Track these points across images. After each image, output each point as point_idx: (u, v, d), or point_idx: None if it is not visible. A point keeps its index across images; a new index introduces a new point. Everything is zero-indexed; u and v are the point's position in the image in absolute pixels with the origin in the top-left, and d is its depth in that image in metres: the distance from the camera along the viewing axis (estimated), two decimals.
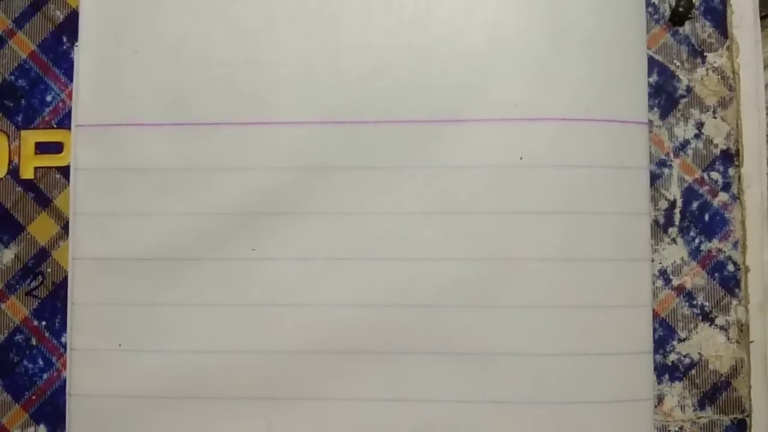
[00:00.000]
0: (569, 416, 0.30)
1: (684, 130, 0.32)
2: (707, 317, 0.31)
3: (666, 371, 0.31)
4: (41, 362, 0.32)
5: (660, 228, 0.32)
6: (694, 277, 0.32)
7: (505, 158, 0.31)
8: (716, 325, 0.31)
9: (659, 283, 0.32)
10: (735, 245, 0.32)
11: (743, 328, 0.31)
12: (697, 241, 0.32)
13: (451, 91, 0.31)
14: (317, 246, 0.31)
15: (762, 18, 0.32)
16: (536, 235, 0.31)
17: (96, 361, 0.31)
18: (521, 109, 0.31)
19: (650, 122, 0.32)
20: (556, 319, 0.30)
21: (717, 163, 0.32)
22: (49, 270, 0.32)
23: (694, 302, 0.31)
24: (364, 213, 0.31)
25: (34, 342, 0.32)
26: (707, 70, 0.32)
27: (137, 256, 0.32)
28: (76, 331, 0.32)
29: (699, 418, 0.31)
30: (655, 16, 0.32)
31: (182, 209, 0.31)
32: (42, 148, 0.33)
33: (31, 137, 0.33)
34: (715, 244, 0.32)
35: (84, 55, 0.32)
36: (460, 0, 0.31)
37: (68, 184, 0.32)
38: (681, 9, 0.32)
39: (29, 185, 0.33)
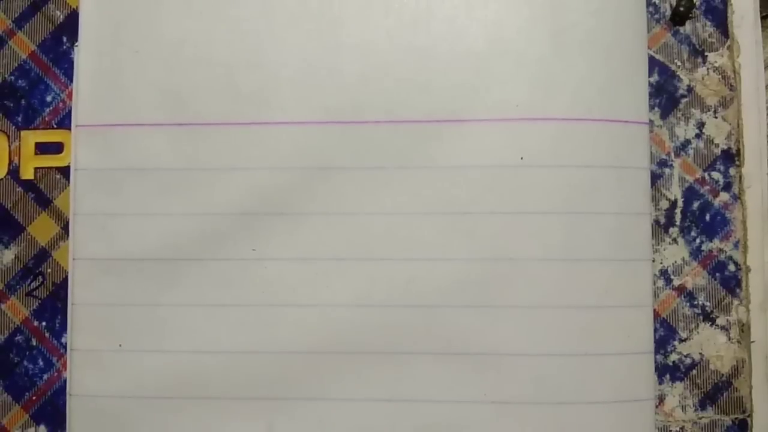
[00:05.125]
0: (570, 417, 0.30)
1: (685, 130, 0.32)
2: (708, 317, 0.31)
3: (667, 371, 0.31)
4: (41, 363, 0.32)
5: (661, 228, 0.32)
6: (695, 277, 0.32)
7: (505, 158, 0.31)
8: (717, 325, 0.31)
9: (660, 283, 0.32)
10: (736, 245, 0.32)
11: (744, 328, 0.31)
12: (698, 241, 0.32)
13: (451, 91, 0.31)
14: (318, 246, 0.31)
15: (763, 18, 0.32)
16: (537, 235, 0.30)
17: (96, 362, 0.31)
18: (522, 109, 0.31)
19: (651, 122, 0.32)
20: (557, 320, 0.30)
21: (718, 162, 0.32)
22: (49, 270, 0.32)
23: (695, 302, 0.31)
24: (365, 213, 0.31)
25: (34, 342, 0.32)
26: (708, 69, 0.32)
27: (138, 257, 0.31)
28: (77, 331, 0.32)
29: (700, 418, 0.31)
30: (656, 16, 0.32)
31: (182, 209, 0.31)
32: (42, 148, 0.33)
33: (31, 137, 0.33)
34: (716, 244, 0.32)
35: (84, 55, 0.32)
36: (460, 0, 0.31)
37: (68, 185, 0.32)
38: (682, 9, 0.32)
39: (29, 185, 0.33)
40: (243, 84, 0.32)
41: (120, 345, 0.31)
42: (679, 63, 0.32)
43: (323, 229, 0.31)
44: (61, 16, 0.33)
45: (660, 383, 0.31)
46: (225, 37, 0.32)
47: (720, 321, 0.31)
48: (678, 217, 0.32)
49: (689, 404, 0.31)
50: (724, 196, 0.32)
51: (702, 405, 0.31)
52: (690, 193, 0.32)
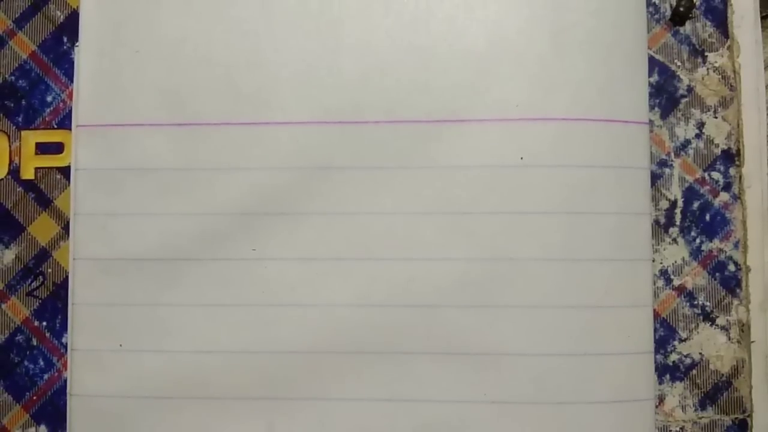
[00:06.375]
0: (570, 416, 0.30)
1: (685, 130, 0.32)
2: (708, 317, 0.31)
3: (667, 371, 0.31)
4: (42, 363, 0.32)
5: (661, 228, 0.32)
6: (695, 277, 0.32)
7: (505, 158, 0.31)
8: (717, 325, 0.31)
9: (660, 283, 0.32)
10: (736, 245, 0.32)
11: (744, 328, 0.31)
12: (698, 241, 0.32)
13: (451, 91, 0.31)
14: (318, 246, 0.31)
15: (763, 18, 0.32)
16: (537, 235, 0.30)
17: (97, 362, 0.31)
18: (521, 109, 0.31)
19: (651, 122, 0.32)
20: (557, 319, 0.30)
21: (718, 162, 0.32)
22: (49, 270, 0.32)
23: (695, 302, 0.31)
24: (365, 213, 0.31)
25: (34, 342, 0.32)
26: (708, 69, 0.32)
27: (138, 257, 0.32)
28: (77, 331, 0.32)
29: (700, 418, 0.31)
30: (656, 16, 0.32)
31: (183, 209, 0.31)
32: (42, 148, 0.33)
33: (31, 137, 0.33)
34: (716, 244, 0.32)
35: (84, 55, 0.32)
36: (460, 0, 0.31)
37: (69, 185, 0.32)
38: (682, 9, 0.32)
39: (30, 185, 0.33)
40: (243, 84, 0.32)
41: (120, 345, 0.31)
42: (679, 63, 0.32)
43: (323, 229, 0.31)
44: (62, 17, 0.33)
45: (660, 383, 0.31)
46: (225, 37, 0.32)
47: (720, 321, 0.31)
48: (678, 217, 0.32)
49: (689, 404, 0.31)
50: (724, 196, 0.32)
51: (702, 405, 0.31)
52: (690, 193, 0.32)
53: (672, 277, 0.32)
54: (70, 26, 0.33)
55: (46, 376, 0.32)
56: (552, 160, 0.31)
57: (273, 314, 0.31)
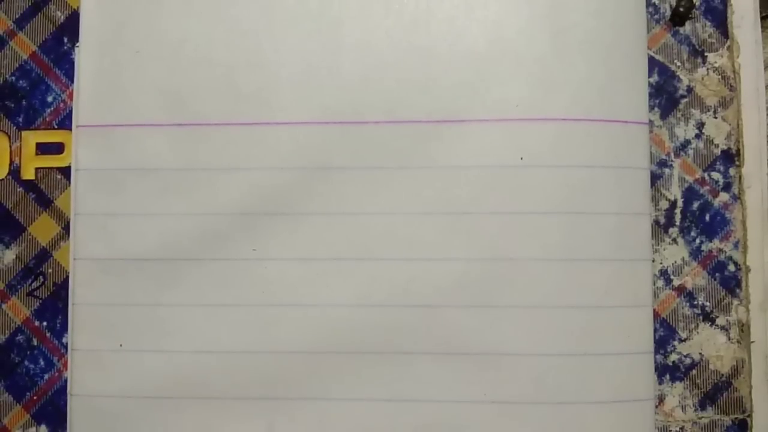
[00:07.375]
0: (570, 416, 0.30)
1: (684, 130, 0.32)
2: (708, 317, 0.31)
3: (667, 371, 0.31)
4: (42, 362, 0.32)
5: (661, 228, 0.32)
6: (694, 278, 0.32)
7: (505, 158, 0.31)
8: (717, 326, 0.31)
9: (660, 283, 0.32)
10: (736, 245, 0.32)
11: (744, 328, 0.31)
12: (697, 241, 0.32)
13: (451, 91, 0.31)
14: (318, 246, 0.31)
15: (762, 18, 0.32)
16: (537, 235, 0.31)
17: (97, 362, 0.31)
18: (521, 109, 0.31)
19: (651, 122, 0.32)
20: (557, 320, 0.30)
21: (718, 163, 0.32)
22: (50, 270, 0.32)
23: (695, 302, 0.31)
24: (365, 213, 0.31)
25: (35, 342, 0.32)
26: (708, 70, 0.32)
27: (138, 257, 0.32)
28: (78, 331, 0.32)
29: (700, 418, 0.31)
30: (656, 16, 0.32)
31: (183, 209, 0.32)
32: (43, 148, 0.33)
33: (32, 138, 0.33)
34: (715, 244, 0.32)
35: (85, 55, 0.32)
36: (460, 0, 0.31)
37: (69, 185, 0.32)
38: (681, 9, 0.32)
39: (30, 186, 0.33)
40: (243, 84, 0.32)
41: (120, 345, 0.31)
42: (678, 63, 0.32)
43: (323, 229, 0.31)
44: (62, 17, 0.33)
45: (660, 383, 0.31)
46: (225, 37, 0.32)
47: (720, 321, 0.31)
48: (678, 217, 0.32)
49: (689, 404, 0.31)
50: (723, 196, 0.32)
51: (702, 405, 0.31)
52: (690, 194, 0.32)
53: (672, 277, 0.32)
54: (71, 26, 0.33)
55: (46, 376, 0.32)
56: (552, 160, 0.31)
57: (273, 314, 0.31)
